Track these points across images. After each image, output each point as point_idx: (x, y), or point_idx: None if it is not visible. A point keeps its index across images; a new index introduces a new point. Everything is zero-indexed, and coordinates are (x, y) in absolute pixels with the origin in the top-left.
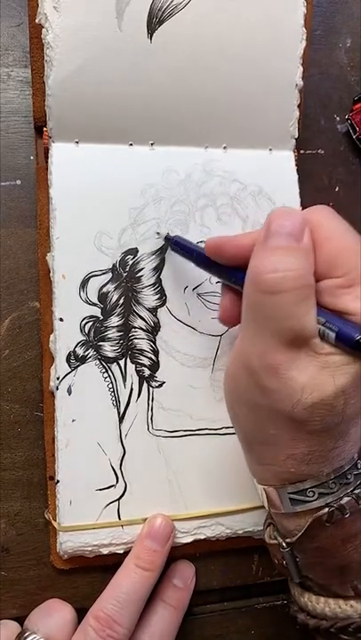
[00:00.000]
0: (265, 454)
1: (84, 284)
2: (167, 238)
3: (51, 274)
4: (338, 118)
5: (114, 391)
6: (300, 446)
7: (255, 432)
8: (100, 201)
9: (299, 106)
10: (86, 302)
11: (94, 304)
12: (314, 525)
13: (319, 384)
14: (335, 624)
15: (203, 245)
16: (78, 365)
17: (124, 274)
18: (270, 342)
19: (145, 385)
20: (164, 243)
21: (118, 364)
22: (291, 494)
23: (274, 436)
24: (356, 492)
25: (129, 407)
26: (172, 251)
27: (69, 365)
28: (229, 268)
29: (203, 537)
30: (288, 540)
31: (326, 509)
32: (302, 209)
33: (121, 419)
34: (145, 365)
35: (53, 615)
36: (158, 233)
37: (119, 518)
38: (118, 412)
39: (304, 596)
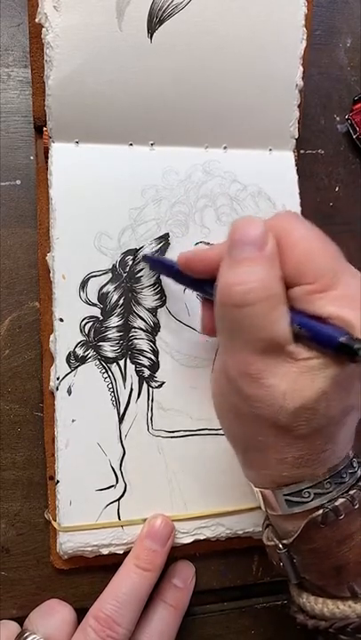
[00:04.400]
0: (256, 460)
1: (83, 284)
2: (146, 259)
3: (51, 274)
4: (338, 118)
5: (114, 391)
6: (289, 451)
7: (243, 438)
8: (100, 201)
9: (299, 106)
10: (86, 302)
11: (94, 304)
12: (308, 527)
13: (300, 389)
14: (334, 624)
15: (202, 245)
16: (78, 366)
17: (124, 274)
18: (245, 352)
19: (145, 385)
20: (162, 244)
21: (118, 365)
22: (286, 496)
23: (261, 442)
24: (351, 492)
25: (129, 407)
26: (151, 270)
27: (69, 366)
28: (204, 282)
29: (203, 537)
30: (285, 542)
31: (321, 511)
32: (302, 209)
33: (121, 419)
34: (145, 366)
35: (53, 615)
36: (137, 256)
37: (119, 518)
38: (118, 413)
39: (302, 596)
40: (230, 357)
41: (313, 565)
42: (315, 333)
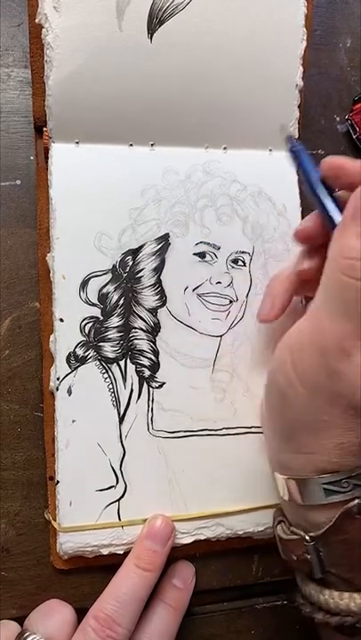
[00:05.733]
0: (310, 442)
1: (84, 284)
2: (290, 139)
3: (51, 274)
4: (338, 118)
5: (114, 392)
6: (350, 436)
7: (307, 416)
8: (100, 201)
9: (299, 106)
10: (86, 303)
11: (94, 304)
12: (343, 517)
13: None
14: None
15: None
16: (78, 366)
17: (125, 274)
18: (347, 326)
19: (145, 385)
20: (164, 242)
21: (118, 365)
22: (325, 485)
23: (327, 422)
24: None
25: (129, 408)
26: (290, 156)
27: (69, 366)
28: (333, 200)
29: (203, 537)
30: (312, 534)
31: (357, 501)
32: (302, 210)
33: (121, 419)
34: (145, 366)
35: (53, 616)
36: (286, 134)
37: (119, 519)
38: (118, 413)
39: (324, 593)
40: (330, 327)
41: (342, 557)
42: None
